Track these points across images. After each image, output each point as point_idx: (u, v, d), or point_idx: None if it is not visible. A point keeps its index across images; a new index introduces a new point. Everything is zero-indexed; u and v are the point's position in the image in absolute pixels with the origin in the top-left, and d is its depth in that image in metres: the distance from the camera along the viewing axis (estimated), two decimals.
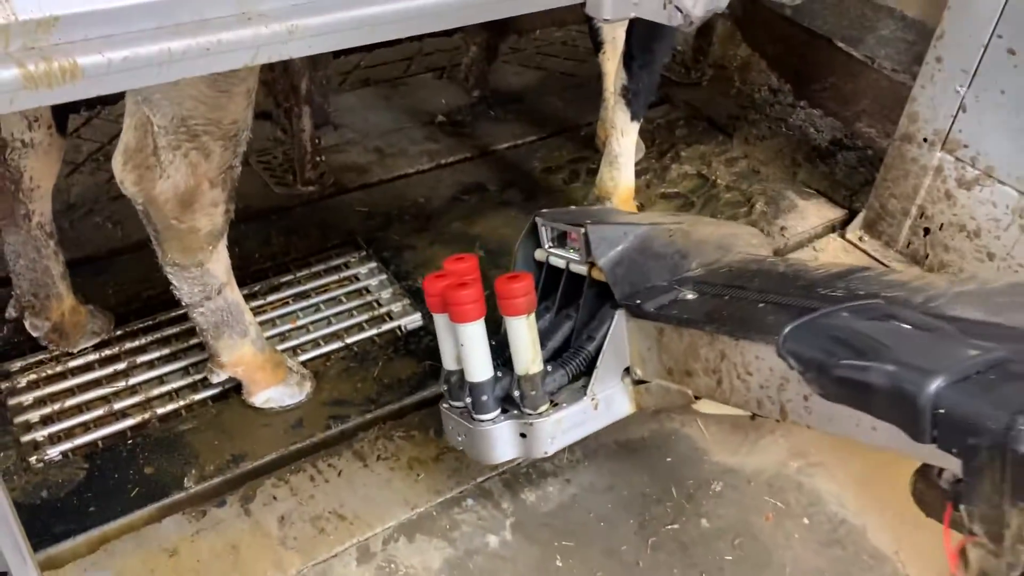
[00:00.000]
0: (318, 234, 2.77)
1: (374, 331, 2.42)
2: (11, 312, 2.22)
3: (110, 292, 2.47)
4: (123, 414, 2.12)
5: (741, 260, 1.99)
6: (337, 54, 3.57)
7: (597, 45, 2.95)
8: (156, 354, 2.29)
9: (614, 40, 2.87)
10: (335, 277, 2.61)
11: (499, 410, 1.82)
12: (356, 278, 2.62)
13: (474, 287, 1.72)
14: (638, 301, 1.81)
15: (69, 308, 2.19)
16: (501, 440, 1.82)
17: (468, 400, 1.82)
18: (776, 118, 3.58)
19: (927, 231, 2.75)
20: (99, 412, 2.12)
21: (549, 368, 1.83)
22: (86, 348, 2.26)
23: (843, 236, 2.96)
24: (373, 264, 2.66)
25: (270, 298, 2.50)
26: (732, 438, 2.21)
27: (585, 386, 1.85)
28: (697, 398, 1.73)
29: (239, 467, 2.01)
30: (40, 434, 2.06)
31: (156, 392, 2.19)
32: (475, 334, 1.75)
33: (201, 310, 1.94)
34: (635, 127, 2.66)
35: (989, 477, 1.09)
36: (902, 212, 2.81)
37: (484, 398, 1.80)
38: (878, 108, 3.24)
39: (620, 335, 1.85)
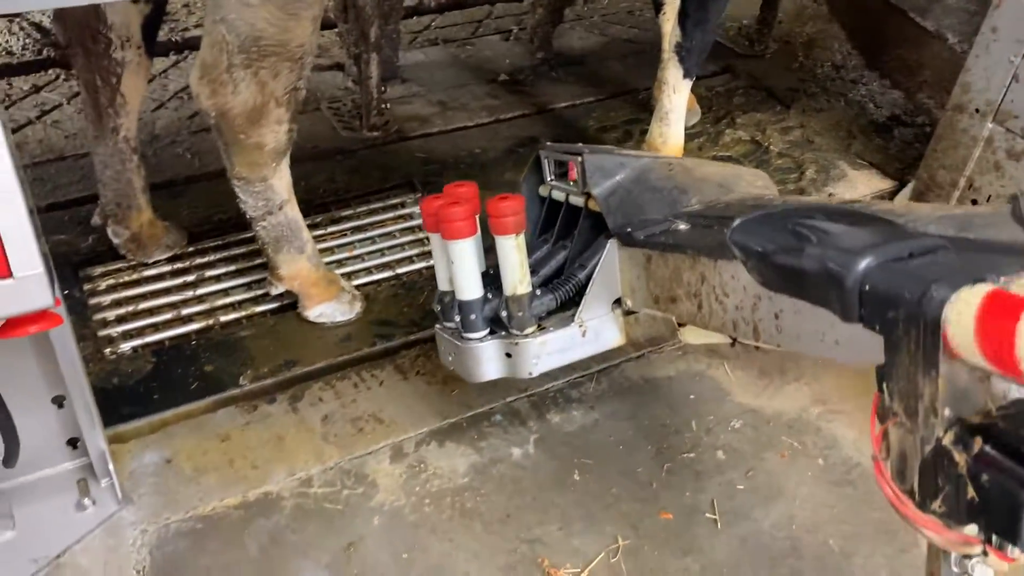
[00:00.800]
0: (378, 175, 2.94)
1: (422, 264, 2.57)
2: (96, 220, 2.44)
3: (185, 213, 2.68)
4: (189, 319, 2.32)
5: (741, 198, 1.97)
6: (409, 13, 3.73)
7: (657, 6, 3.04)
8: (222, 270, 2.48)
9: (673, 2, 2.95)
10: (391, 215, 2.78)
11: (487, 330, 1.85)
12: (410, 216, 2.77)
13: (465, 205, 1.75)
14: (629, 230, 1.80)
15: (147, 221, 2.40)
16: (487, 358, 1.85)
17: (457, 319, 1.85)
18: (836, 92, 3.61)
19: (975, 202, 2.76)
20: (167, 316, 2.33)
21: (539, 292, 1.85)
22: (160, 260, 2.47)
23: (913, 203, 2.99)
24: None
25: (331, 229, 2.68)
26: (758, 382, 2.29)
27: (575, 314, 1.86)
28: (681, 325, 1.78)
29: (290, 371, 2.19)
30: (114, 330, 2.27)
31: (220, 302, 2.38)
32: (465, 251, 1.77)
33: (264, 224, 2.12)
34: (687, 84, 2.74)
35: (905, 349, 1.09)
36: (951, 183, 2.82)
37: (472, 317, 1.82)
38: (938, 79, 3.24)
39: (611, 264, 1.84)
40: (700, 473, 2.04)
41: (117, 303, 2.35)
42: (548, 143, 2.06)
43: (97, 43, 1.99)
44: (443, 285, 1.90)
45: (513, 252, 1.78)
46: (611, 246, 1.83)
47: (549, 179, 2.03)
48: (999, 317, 0.95)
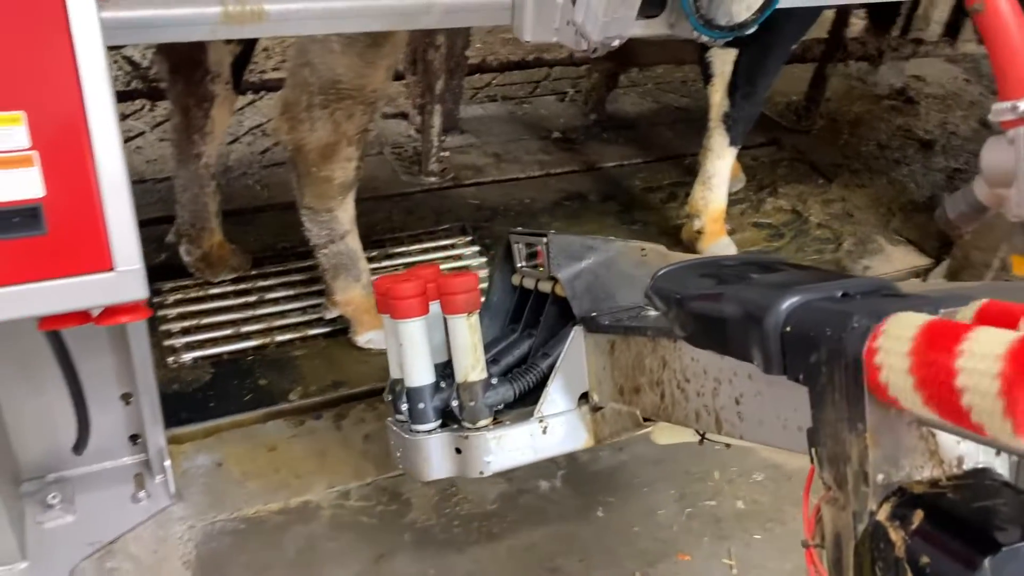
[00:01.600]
0: (432, 217, 3.11)
1: None
2: (170, 238, 2.63)
3: (251, 239, 2.86)
4: (247, 336, 2.48)
5: None
6: (472, 71, 3.95)
7: (707, 77, 3.19)
8: (281, 293, 2.65)
9: (723, 74, 3.10)
10: (442, 254, 2.93)
11: (438, 422, 1.69)
12: (460, 257, 2.93)
13: (415, 282, 1.62)
14: (595, 315, 1.66)
15: (217, 243, 2.58)
16: (435, 454, 1.68)
17: (404, 407, 1.70)
18: (879, 170, 3.71)
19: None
20: (227, 332, 2.48)
21: (495, 381, 1.69)
22: (225, 280, 2.64)
23: (924, 282, 3.06)
24: (476, 248, 2.96)
25: (384, 263, 2.84)
26: None
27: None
28: (646, 420, 1.57)
29: (337, 391, 2.32)
30: (178, 341, 2.43)
31: (278, 323, 2.54)
32: (413, 332, 1.63)
33: (325, 251, 2.28)
34: (732, 152, 2.88)
35: (830, 399, 0.92)
36: (983, 264, 2.90)
37: (421, 406, 1.67)
38: None
39: (577, 353, 1.68)
40: (720, 520, 2.11)
41: (182, 316, 2.52)
42: (517, 229, 2.00)
43: (196, 73, 2.20)
44: (394, 372, 1.75)
45: (465, 333, 1.62)
46: (576, 333, 1.67)
47: (519, 264, 1.92)
48: (938, 347, 0.78)
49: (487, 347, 1.81)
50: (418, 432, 1.68)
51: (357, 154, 2.13)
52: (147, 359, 1.83)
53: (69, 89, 1.23)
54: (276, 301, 2.62)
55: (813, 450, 0.97)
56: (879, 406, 0.86)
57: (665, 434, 1.65)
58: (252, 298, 2.61)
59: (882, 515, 0.86)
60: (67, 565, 1.83)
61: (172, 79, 2.26)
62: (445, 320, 1.66)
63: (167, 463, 1.98)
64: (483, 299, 1.88)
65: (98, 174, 1.26)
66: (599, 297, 1.71)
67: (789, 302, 1.00)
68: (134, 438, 2.03)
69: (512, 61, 3.91)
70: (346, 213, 2.24)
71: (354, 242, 2.32)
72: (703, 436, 1.42)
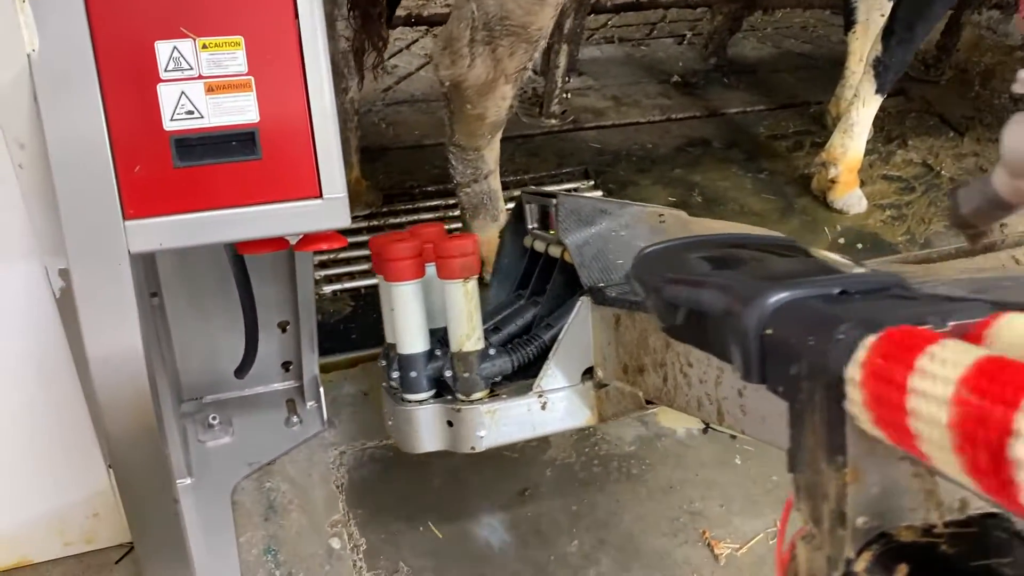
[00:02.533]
0: (554, 160, 3.09)
1: None
2: None
3: (381, 177, 2.89)
4: None
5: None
6: (590, 11, 3.87)
7: (849, 24, 3.07)
8: None
9: (867, 21, 2.98)
10: None
11: (431, 392, 1.59)
12: None
13: (409, 243, 1.52)
14: (603, 286, 1.51)
15: (354, 179, 2.61)
16: (424, 425, 1.58)
17: (395, 375, 1.60)
18: None
19: None
20: (363, 267, 2.52)
21: (492, 351, 1.58)
22: (358, 215, 2.67)
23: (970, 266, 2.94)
24: (599, 193, 2.94)
25: (509, 205, 2.84)
26: None
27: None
28: (648, 402, 1.46)
29: None
30: (318, 274, 2.48)
31: None
32: (406, 296, 1.53)
33: (467, 190, 2.29)
34: (878, 100, 2.78)
35: (809, 422, 0.78)
36: None
37: (413, 375, 1.56)
38: None
39: (582, 326, 1.53)
40: None
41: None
42: (529, 188, 1.89)
43: (376, 8, 2.20)
44: (388, 336, 1.65)
45: (460, 300, 1.51)
46: (583, 305, 1.52)
47: (530, 226, 1.81)
48: (896, 359, 0.66)
49: (493, 313, 1.74)
50: (409, 402, 1.58)
51: (512, 93, 2.12)
52: (310, 289, 1.87)
53: (285, 16, 1.24)
54: None
55: (792, 479, 0.83)
56: (865, 435, 0.71)
57: (671, 416, 1.55)
58: None
59: (860, 565, 0.73)
60: (229, 483, 1.91)
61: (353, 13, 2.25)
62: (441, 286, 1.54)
63: (321, 390, 2.04)
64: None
65: (309, 101, 1.27)
66: (609, 266, 1.56)
67: (774, 298, 0.85)
68: (286, 365, 2.09)
69: (628, 2, 3.82)
70: (492, 153, 2.24)
71: (496, 182, 2.32)
72: (707, 425, 1.28)
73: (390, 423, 1.65)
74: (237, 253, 1.58)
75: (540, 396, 1.56)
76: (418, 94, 3.38)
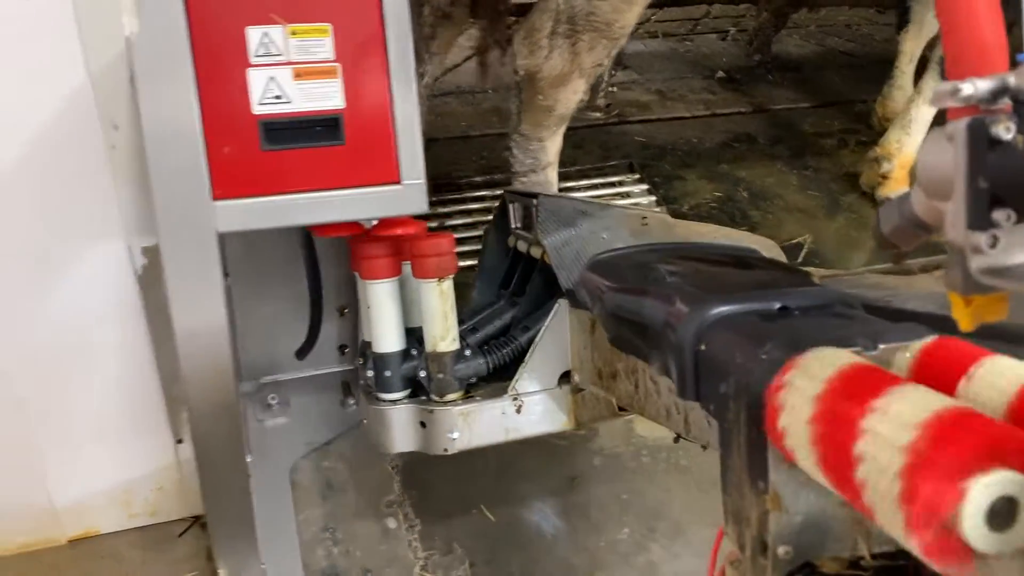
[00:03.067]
0: (599, 153, 3.11)
1: None
2: None
3: (428, 167, 2.92)
4: None
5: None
6: None
7: (902, 23, 3.06)
8: (459, 221, 2.71)
9: (921, 22, 2.97)
10: (610, 191, 2.94)
11: (405, 392, 1.57)
12: (628, 195, 2.93)
13: (384, 242, 1.48)
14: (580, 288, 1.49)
15: None
16: (397, 425, 1.56)
17: (370, 374, 1.58)
18: None
19: None
20: None
21: (468, 352, 1.56)
22: None
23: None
24: (645, 186, 2.96)
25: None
26: None
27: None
28: (621, 409, 1.45)
29: None
30: None
31: (457, 249, 2.60)
32: (381, 294, 1.51)
33: (524, 179, 2.31)
34: None
35: (735, 444, 0.76)
36: None
37: (387, 374, 1.54)
38: None
39: (560, 329, 1.51)
40: None
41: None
42: (513, 187, 1.87)
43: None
44: (364, 333, 1.64)
45: (435, 300, 1.49)
46: (560, 308, 1.50)
47: (514, 225, 1.78)
48: (851, 396, 0.61)
49: (473, 313, 1.73)
50: (382, 401, 1.55)
51: (584, 88, 2.14)
52: None
53: (371, 3, 1.27)
54: (454, 228, 2.68)
55: (723, 498, 0.80)
56: (780, 459, 0.68)
57: (646, 424, 1.53)
58: (432, 224, 2.68)
59: None
60: (287, 461, 1.95)
61: None
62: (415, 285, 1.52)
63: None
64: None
65: (392, 87, 1.30)
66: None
67: (711, 312, 0.82)
68: (342, 348, 2.12)
69: None
70: (555, 145, 2.26)
71: (553, 174, 2.34)
72: (678, 436, 1.24)
73: (364, 422, 1.63)
74: (308, 236, 1.62)
75: (515, 399, 1.53)
76: (464, 86, 3.41)
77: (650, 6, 4.03)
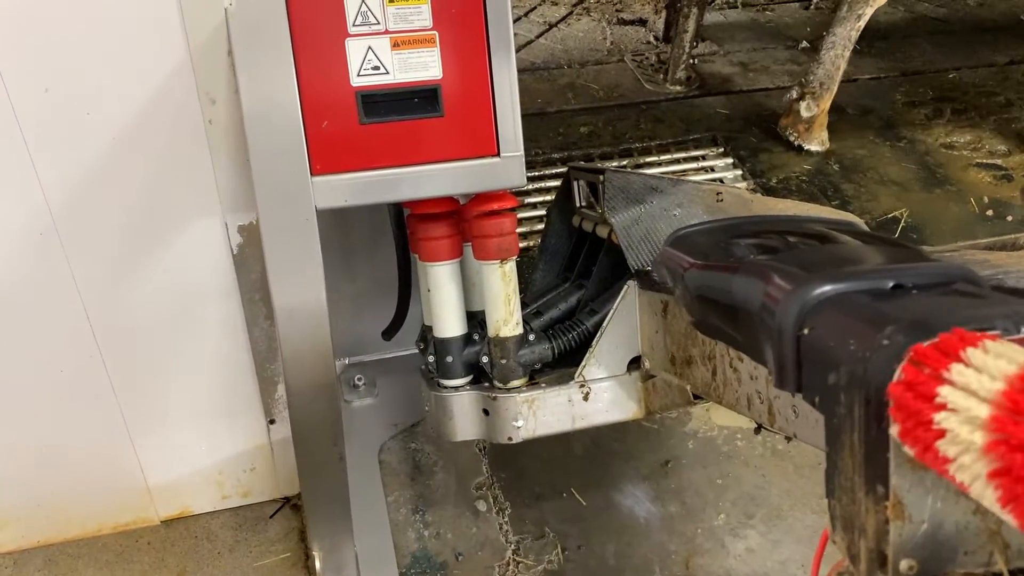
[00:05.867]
0: (681, 127, 3.01)
1: None
2: None
3: None
4: None
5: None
6: None
7: None
8: (537, 199, 2.65)
9: None
10: (693, 166, 2.84)
11: (467, 378, 1.52)
12: (711, 169, 2.83)
13: (445, 221, 1.41)
14: (650, 269, 1.39)
15: None
16: (460, 412, 1.51)
17: (431, 359, 1.54)
18: None
19: None
20: None
21: (532, 337, 1.49)
22: None
23: None
24: (729, 160, 2.86)
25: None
26: None
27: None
28: (696, 397, 1.35)
29: None
30: None
31: (538, 227, 2.55)
32: (441, 278, 1.45)
33: None
34: None
35: (847, 442, 0.68)
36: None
37: (449, 360, 1.49)
38: None
39: (629, 312, 1.43)
40: None
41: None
42: (579, 163, 1.75)
43: None
44: (426, 318, 1.57)
45: (497, 282, 1.42)
46: (630, 289, 1.42)
47: (579, 204, 1.69)
48: (922, 375, 0.56)
49: (536, 296, 1.66)
50: (444, 387, 1.52)
51: None
52: None
53: None
54: (534, 207, 2.63)
55: (828, 505, 0.73)
56: (903, 459, 0.59)
57: (722, 413, 1.44)
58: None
59: None
60: (376, 442, 1.94)
61: None
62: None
63: None
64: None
65: (491, 57, 1.25)
66: (659, 248, 1.41)
67: (816, 291, 0.72)
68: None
69: None
70: None
71: None
72: (759, 426, 1.16)
73: (426, 408, 1.58)
74: (399, 213, 1.58)
75: (582, 386, 1.47)
76: (539, 62, 3.34)
77: None
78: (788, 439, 1.25)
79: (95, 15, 1.22)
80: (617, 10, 3.72)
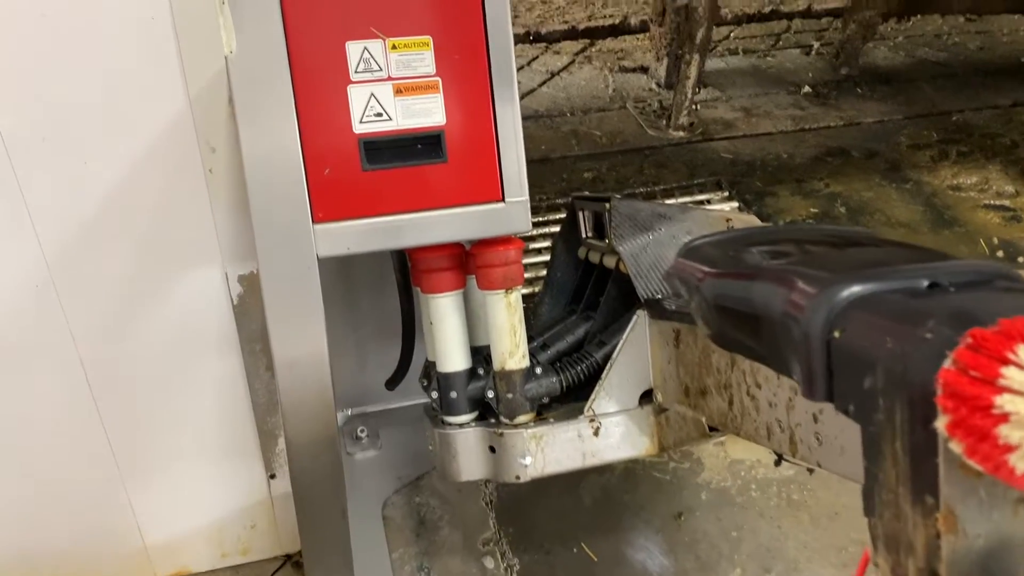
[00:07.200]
0: (685, 171, 3.00)
1: None
2: None
3: None
4: None
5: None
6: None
7: None
8: (542, 244, 2.63)
9: None
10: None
11: (473, 414, 1.46)
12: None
13: (450, 249, 1.36)
14: (660, 297, 1.37)
15: None
16: (465, 450, 1.44)
17: (434, 396, 1.49)
18: None
19: None
20: None
21: (539, 370, 1.43)
22: None
23: None
24: (735, 204, 2.84)
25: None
26: None
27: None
28: (712, 429, 1.30)
29: None
30: None
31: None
32: (445, 310, 1.40)
33: None
34: None
35: (888, 451, 0.62)
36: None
37: (453, 395, 1.44)
38: None
39: (639, 343, 1.39)
40: None
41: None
42: (583, 193, 1.72)
43: None
44: (429, 352, 1.52)
45: (502, 313, 1.36)
46: (639, 319, 1.38)
47: (584, 235, 1.66)
48: (979, 361, 0.52)
49: (543, 329, 1.62)
50: (449, 424, 1.45)
51: None
52: None
53: (473, 14, 1.21)
54: (539, 252, 2.61)
55: (868, 524, 0.67)
56: (966, 468, 0.55)
57: (740, 446, 1.39)
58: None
59: None
60: (379, 496, 1.89)
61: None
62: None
63: None
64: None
65: (495, 101, 1.23)
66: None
67: (845, 292, 0.68)
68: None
69: (747, 14, 3.71)
70: None
71: None
72: (780, 457, 1.12)
73: (430, 448, 1.52)
74: (402, 259, 1.56)
75: (592, 420, 1.41)
76: (542, 110, 3.35)
77: (729, 23, 3.95)
78: (810, 470, 1.21)
79: (94, 64, 1.21)
80: (619, 58, 3.74)
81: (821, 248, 0.92)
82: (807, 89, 3.52)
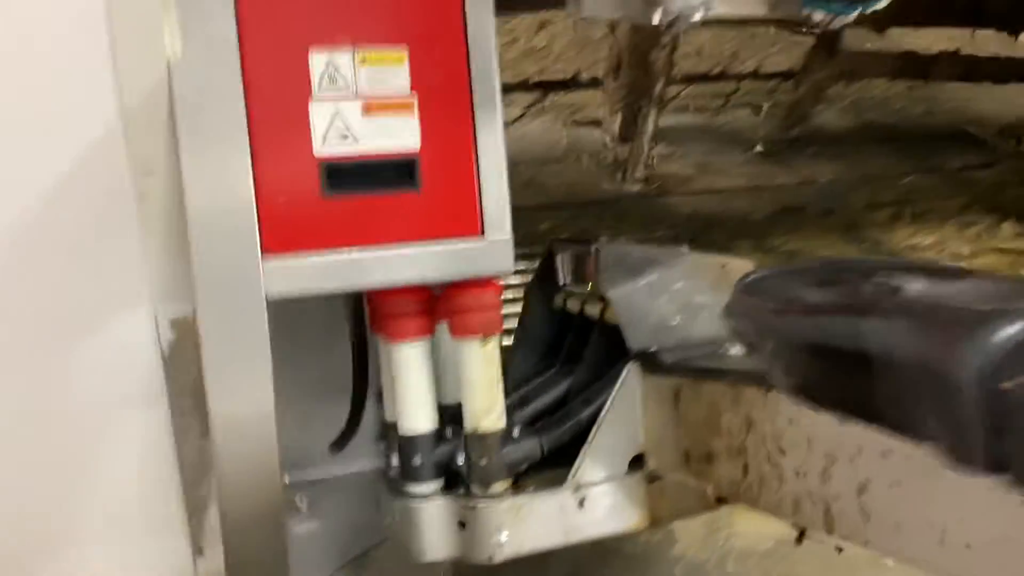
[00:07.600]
0: (645, 224, 2.94)
1: None
2: None
3: None
4: None
5: None
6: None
7: None
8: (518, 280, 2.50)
9: None
10: None
11: (439, 483, 1.28)
12: None
13: (414, 294, 1.19)
14: (654, 349, 1.25)
15: None
16: (430, 526, 1.26)
17: (395, 461, 1.32)
18: None
19: None
20: None
21: (517, 431, 1.28)
22: None
23: None
24: None
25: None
26: None
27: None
28: (720, 500, 1.18)
29: None
30: None
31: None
32: (410, 361, 1.23)
33: None
34: None
35: None
36: None
37: (417, 460, 1.25)
38: None
39: (629, 401, 1.26)
40: None
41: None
42: (561, 236, 1.67)
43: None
44: (388, 412, 1.36)
45: (477, 364, 1.21)
46: (630, 373, 1.26)
47: (562, 281, 1.52)
48: None
49: (515, 386, 1.44)
50: (411, 495, 1.27)
51: None
52: None
53: (454, 25, 1.08)
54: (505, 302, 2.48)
55: None
56: None
57: (753, 521, 1.31)
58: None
59: None
60: (320, 575, 1.68)
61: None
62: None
63: None
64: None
65: (476, 125, 1.10)
66: (662, 326, 1.29)
67: (1008, 330, 0.57)
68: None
69: (698, 73, 3.71)
70: None
71: None
72: (802, 532, 1.04)
73: (387, 520, 1.35)
74: (358, 302, 1.38)
75: (577, 490, 1.25)
76: None
77: (678, 82, 3.95)
78: (839, 550, 1.11)
79: (4, 69, 1.04)
80: (571, 112, 3.69)
81: (928, 281, 0.76)
82: (759, 148, 3.52)
